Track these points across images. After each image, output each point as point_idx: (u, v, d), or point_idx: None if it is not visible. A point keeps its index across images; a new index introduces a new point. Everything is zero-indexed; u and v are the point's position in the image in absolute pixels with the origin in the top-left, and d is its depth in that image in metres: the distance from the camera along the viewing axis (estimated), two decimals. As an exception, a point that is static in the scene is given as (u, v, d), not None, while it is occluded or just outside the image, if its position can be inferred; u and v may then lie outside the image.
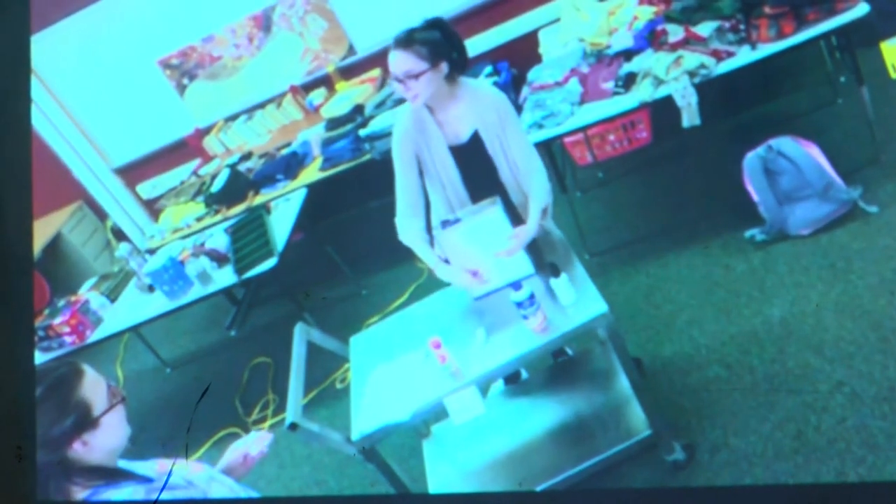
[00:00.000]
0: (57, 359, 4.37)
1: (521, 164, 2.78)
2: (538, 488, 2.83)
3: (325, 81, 5.61)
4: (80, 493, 1.70)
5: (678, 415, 3.06)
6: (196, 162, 5.80)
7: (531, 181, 2.80)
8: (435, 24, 2.68)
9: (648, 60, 3.69)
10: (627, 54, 3.87)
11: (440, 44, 2.64)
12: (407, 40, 2.62)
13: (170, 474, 1.79)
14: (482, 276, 2.75)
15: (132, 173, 6.15)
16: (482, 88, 2.82)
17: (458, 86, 2.74)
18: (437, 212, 2.87)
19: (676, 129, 3.67)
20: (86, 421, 1.69)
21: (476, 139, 2.77)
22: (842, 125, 4.01)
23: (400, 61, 2.62)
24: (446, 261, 2.80)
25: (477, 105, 2.75)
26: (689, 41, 3.64)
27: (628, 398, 2.96)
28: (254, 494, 2.00)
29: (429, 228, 2.84)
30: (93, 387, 1.72)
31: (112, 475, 1.74)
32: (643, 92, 3.62)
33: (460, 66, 2.74)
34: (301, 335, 2.92)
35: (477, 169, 2.79)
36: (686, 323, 3.45)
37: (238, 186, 5.05)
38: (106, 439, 1.73)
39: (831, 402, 2.82)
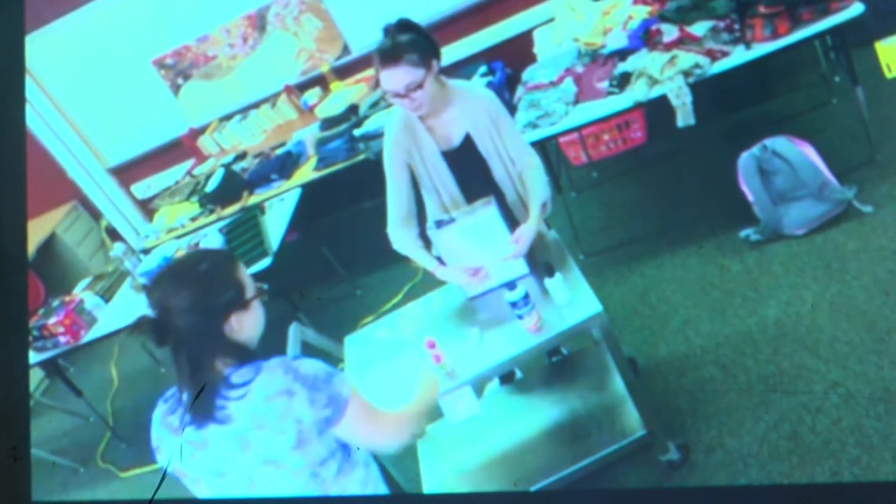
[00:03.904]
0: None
1: (518, 162, 2.78)
2: (533, 488, 2.83)
3: (320, 81, 5.60)
4: (223, 370, 1.83)
5: (673, 415, 3.06)
6: (190, 162, 5.79)
7: (529, 177, 2.78)
8: (407, 26, 2.58)
9: (643, 60, 3.69)
10: (622, 54, 3.87)
11: (422, 43, 2.56)
12: (394, 54, 2.51)
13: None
14: (482, 275, 2.74)
15: (127, 173, 6.13)
16: (471, 90, 2.79)
17: (447, 89, 2.70)
18: (433, 216, 2.85)
19: (671, 128, 3.67)
20: (241, 298, 1.85)
21: (468, 142, 2.74)
22: (837, 125, 4.01)
23: (398, 77, 2.53)
24: (441, 261, 2.80)
25: (467, 108, 2.72)
26: (683, 41, 3.64)
27: (623, 398, 2.95)
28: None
29: (423, 233, 2.81)
30: (245, 273, 1.90)
31: (249, 355, 1.87)
32: (638, 92, 3.62)
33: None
34: (296, 335, 2.92)
35: (471, 171, 2.77)
36: (681, 323, 3.45)
37: (232, 186, 5.03)
38: (251, 324, 1.89)
39: (826, 402, 2.82)
